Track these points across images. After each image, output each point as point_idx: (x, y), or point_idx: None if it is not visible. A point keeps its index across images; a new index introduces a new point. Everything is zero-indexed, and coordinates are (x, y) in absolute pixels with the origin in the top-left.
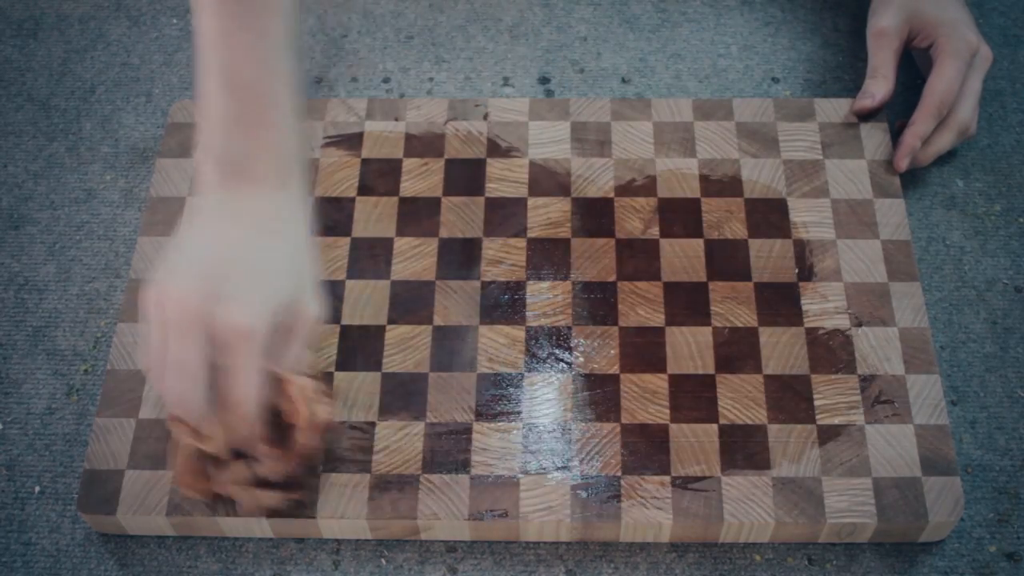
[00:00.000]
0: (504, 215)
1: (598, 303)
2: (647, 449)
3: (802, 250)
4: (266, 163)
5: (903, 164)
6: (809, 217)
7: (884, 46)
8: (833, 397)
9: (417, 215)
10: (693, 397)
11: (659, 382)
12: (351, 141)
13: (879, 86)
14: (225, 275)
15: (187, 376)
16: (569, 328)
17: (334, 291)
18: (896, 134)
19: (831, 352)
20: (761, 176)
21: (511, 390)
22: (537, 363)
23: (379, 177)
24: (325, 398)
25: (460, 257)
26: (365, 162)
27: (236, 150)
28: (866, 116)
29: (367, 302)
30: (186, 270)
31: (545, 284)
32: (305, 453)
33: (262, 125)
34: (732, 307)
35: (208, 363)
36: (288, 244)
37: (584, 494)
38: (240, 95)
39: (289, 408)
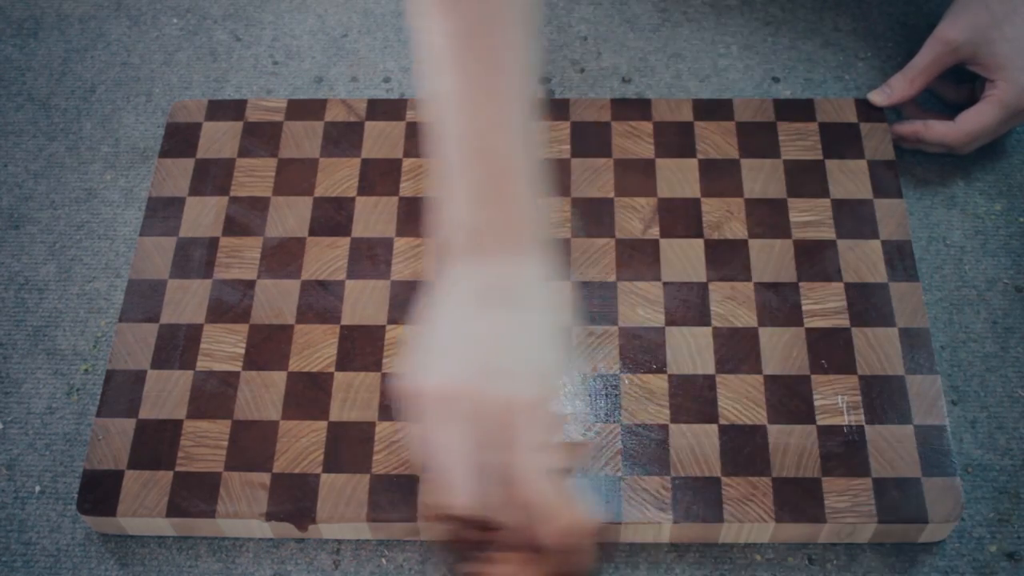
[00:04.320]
0: None
1: (598, 303)
2: (647, 449)
3: (802, 250)
4: (513, 236)
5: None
6: (809, 217)
7: (933, 51)
8: (833, 397)
9: (417, 215)
10: (693, 397)
11: (659, 382)
12: (351, 141)
13: (901, 86)
14: (489, 352)
15: (459, 466)
16: (569, 328)
17: (334, 291)
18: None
19: (831, 352)
20: (761, 176)
21: None
22: None
23: (379, 177)
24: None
25: None
26: (365, 162)
27: (484, 222)
28: (868, 115)
29: (367, 302)
30: (444, 354)
31: None
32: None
33: (507, 198)
34: (732, 307)
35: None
36: (540, 319)
37: (584, 494)
38: (485, 166)
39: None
